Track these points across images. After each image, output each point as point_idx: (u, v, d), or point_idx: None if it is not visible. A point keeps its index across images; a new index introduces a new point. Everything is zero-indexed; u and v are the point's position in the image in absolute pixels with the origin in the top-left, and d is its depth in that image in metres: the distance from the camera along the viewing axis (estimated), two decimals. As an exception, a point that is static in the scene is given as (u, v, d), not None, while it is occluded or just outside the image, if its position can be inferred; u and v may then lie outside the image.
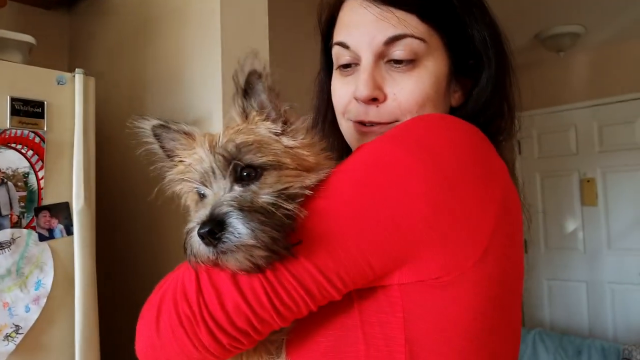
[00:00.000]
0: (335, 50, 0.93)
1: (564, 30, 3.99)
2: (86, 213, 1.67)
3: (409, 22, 0.84)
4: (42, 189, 1.61)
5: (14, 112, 1.57)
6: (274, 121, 0.74)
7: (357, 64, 0.90)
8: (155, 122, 0.78)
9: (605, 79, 4.45)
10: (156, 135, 0.78)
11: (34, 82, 1.64)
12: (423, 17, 0.85)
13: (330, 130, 1.02)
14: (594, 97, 4.49)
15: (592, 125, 4.51)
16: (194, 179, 0.71)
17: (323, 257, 0.65)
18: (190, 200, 0.75)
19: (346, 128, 0.95)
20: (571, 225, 4.61)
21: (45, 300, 1.58)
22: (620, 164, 4.34)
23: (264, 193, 0.67)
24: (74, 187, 1.67)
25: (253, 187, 0.68)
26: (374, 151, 0.74)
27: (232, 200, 0.65)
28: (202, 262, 0.65)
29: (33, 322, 1.54)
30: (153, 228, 2.09)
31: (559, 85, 4.63)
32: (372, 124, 0.89)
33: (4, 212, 1.52)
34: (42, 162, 1.61)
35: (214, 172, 0.68)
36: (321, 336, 0.73)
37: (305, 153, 0.73)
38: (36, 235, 1.58)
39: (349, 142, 0.97)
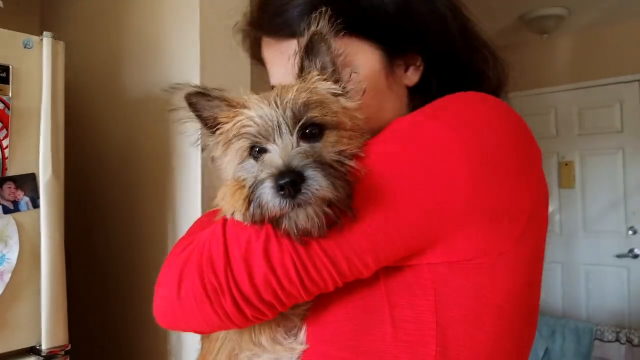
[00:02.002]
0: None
1: (548, 12, 3.97)
2: (54, 185, 1.59)
3: None
4: (6, 158, 1.52)
5: (-24, 75, 1.47)
6: (335, 82, 0.73)
7: None
8: (191, 89, 0.75)
9: (587, 63, 4.45)
10: (191, 104, 0.75)
11: (-2, 45, 1.54)
12: None
13: None
14: (575, 80, 4.50)
15: (572, 109, 4.52)
16: (254, 134, 0.68)
17: (358, 235, 0.64)
18: (235, 156, 0.71)
19: None
20: (548, 208, 4.65)
21: (9, 275, 1.50)
22: (599, 147, 4.37)
23: (328, 151, 0.66)
24: (41, 158, 1.58)
25: (317, 144, 0.67)
26: (413, 126, 0.71)
27: (305, 154, 0.63)
28: (269, 215, 0.62)
29: (-3, 298, 1.48)
30: (124, 200, 2.03)
31: (541, 68, 4.62)
32: None
33: (-36, 182, 1.44)
34: (7, 130, 1.52)
35: (279, 128, 0.66)
36: (345, 317, 0.72)
37: (359, 116, 0.72)
38: (0, 207, 1.50)
39: None
